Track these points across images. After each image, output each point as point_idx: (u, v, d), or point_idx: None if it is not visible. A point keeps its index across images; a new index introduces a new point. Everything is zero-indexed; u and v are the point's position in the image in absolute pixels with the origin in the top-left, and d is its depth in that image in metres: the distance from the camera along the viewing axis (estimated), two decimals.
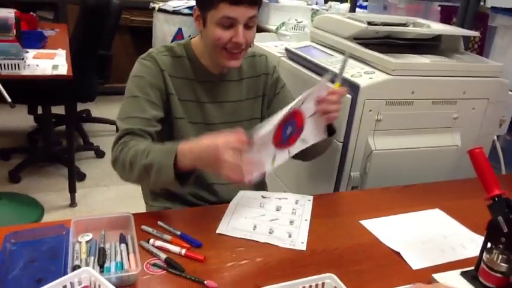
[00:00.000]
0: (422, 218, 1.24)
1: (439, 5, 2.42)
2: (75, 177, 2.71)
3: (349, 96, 1.46)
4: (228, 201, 1.26)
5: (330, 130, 1.28)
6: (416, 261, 1.03)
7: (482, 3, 2.01)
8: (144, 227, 1.05)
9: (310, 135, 1.20)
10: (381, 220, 1.20)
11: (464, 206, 1.27)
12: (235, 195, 1.33)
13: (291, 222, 1.14)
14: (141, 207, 1.52)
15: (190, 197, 1.34)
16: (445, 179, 1.57)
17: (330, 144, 1.38)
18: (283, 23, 3.00)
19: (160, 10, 3.71)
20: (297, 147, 1.18)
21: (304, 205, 1.23)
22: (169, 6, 3.71)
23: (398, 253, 1.06)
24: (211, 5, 1.18)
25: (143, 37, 4.11)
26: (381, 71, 1.49)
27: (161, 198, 1.40)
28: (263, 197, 1.26)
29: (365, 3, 3.47)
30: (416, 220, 1.22)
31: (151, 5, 3.85)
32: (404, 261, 1.03)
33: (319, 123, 1.21)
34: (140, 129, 1.18)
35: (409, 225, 1.19)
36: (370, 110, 1.46)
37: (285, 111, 1.06)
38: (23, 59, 2.22)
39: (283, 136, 1.11)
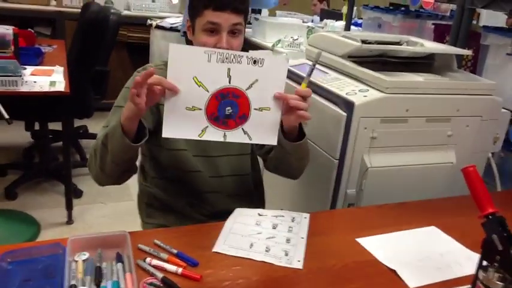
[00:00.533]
0: (419, 235, 1.24)
1: (433, 24, 2.46)
2: (72, 194, 2.70)
3: (344, 114, 1.47)
4: (221, 211, 1.29)
5: (300, 133, 1.26)
6: (412, 280, 1.03)
7: (475, 22, 2.04)
8: (140, 245, 1.05)
9: (256, 132, 1.13)
10: (377, 238, 1.20)
11: (460, 224, 1.27)
12: (228, 203, 1.36)
13: (288, 240, 1.14)
14: (137, 224, 1.53)
15: (185, 207, 1.36)
16: (441, 196, 1.58)
17: (306, 154, 1.35)
18: (279, 40, 3.03)
19: (158, 27, 3.75)
20: (236, 136, 1.12)
21: (301, 223, 1.24)
22: (166, 23, 3.75)
23: (394, 271, 1.06)
24: (197, 12, 1.24)
25: (140, 53, 4.14)
26: (375, 89, 1.51)
27: (156, 214, 1.41)
28: (259, 214, 1.26)
29: (360, 21, 3.51)
30: (413, 238, 1.23)
31: (149, 21, 3.89)
32: (401, 279, 1.04)
33: (272, 125, 1.14)
34: None
35: (405, 243, 1.20)
36: (365, 128, 1.47)
37: (222, 83, 1.06)
38: (20, 75, 2.23)
39: (220, 112, 1.09)
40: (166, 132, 1.08)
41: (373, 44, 1.68)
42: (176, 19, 3.87)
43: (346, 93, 1.50)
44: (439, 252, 1.17)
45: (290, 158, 1.32)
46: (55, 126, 3.01)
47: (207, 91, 1.07)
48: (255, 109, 1.12)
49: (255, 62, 1.08)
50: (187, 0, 1.34)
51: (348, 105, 1.46)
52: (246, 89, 1.10)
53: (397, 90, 1.48)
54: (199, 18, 1.24)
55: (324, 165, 1.56)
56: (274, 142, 1.16)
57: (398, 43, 1.77)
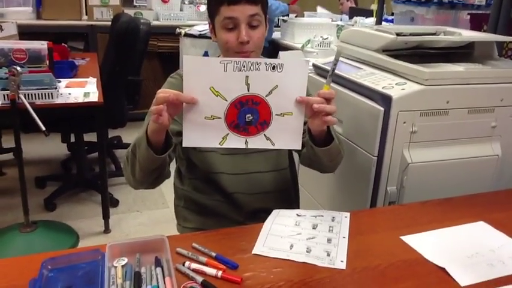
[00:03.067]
0: (467, 231, 1.18)
1: (468, 14, 2.37)
2: (109, 203, 2.73)
3: (381, 108, 1.43)
4: (258, 210, 1.31)
5: (328, 137, 1.22)
6: (464, 278, 0.98)
7: None
8: (179, 249, 1.03)
9: (278, 137, 1.11)
10: (422, 235, 1.14)
11: (511, 218, 1.20)
12: (265, 201, 1.36)
13: (329, 240, 1.10)
14: (173, 231, 1.51)
15: (221, 208, 1.37)
16: (487, 190, 1.50)
17: (338, 155, 1.30)
18: (308, 41, 3.00)
19: (187, 35, 3.78)
20: (258, 142, 1.11)
21: (341, 222, 1.19)
22: (195, 30, 3.78)
23: (444, 269, 1.00)
24: (215, 11, 1.24)
25: (171, 62, 4.19)
26: (413, 81, 1.45)
27: (193, 217, 1.40)
28: (298, 215, 1.23)
29: (390, 17, 3.44)
30: (460, 234, 1.17)
31: (178, 30, 3.93)
32: (451, 277, 0.98)
33: (295, 129, 1.11)
34: None
35: (452, 240, 1.14)
36: (404, 122, 1.42)
37: (240, 91, 1.05)
38: (56, 88, 2.28)
39: (240, 120, 1.07)
40: (186, 142, 1.08)
41: (408, 36, 1.62)
42: (204, 26, 3.89)
43: (383, 88, 1.45)
44: (491, 248, 1.10)
45: (321, 160, 1.29)
46: (90, 137, 3.06)
47: (226, 100, 1.06)
48: (276, 115, 1.09)
49: (273, 67, 1.05)
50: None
51: (385, 100, 1.41)
52: (266, 96, 1.07)
53: (436, 82, 1.42)
54: (217, 16, 1.24)
55: (362, 162, 1.51)
56: (298, 147, 1.13)
57: (434, 34, 1.70)
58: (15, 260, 1.00)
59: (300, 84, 1.09)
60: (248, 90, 1.06)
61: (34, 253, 1.02)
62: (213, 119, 1.07)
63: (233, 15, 1.21)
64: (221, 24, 1.23)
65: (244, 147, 1.11)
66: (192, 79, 1.04)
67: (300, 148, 1.14)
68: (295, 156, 1.50)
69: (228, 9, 1.21)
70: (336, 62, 1.16)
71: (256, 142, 1.11)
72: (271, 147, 1.13)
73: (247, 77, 1.05)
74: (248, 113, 1.08)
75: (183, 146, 1.09)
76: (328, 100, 1.11)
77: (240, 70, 1.04)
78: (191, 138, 1.08)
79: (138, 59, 3.16)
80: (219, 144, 1.10)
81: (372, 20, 3.09)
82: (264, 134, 1.11)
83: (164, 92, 1.04)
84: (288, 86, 1.07)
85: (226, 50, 1.25)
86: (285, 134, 1.11)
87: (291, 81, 1.07)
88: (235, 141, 1.10)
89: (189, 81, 1.04)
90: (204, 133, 1.08)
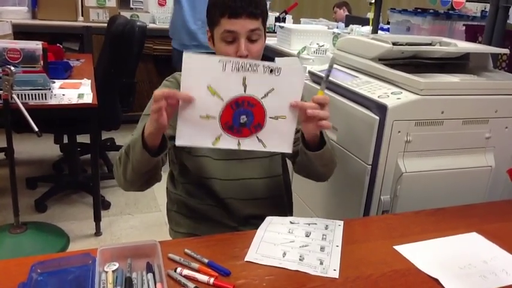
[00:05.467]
0: (459, 242, 1.18)
1: (464, 24, 2.39)
2: (100, 205, 2.71)
3: (376, 117, 1.43)
4: (251, 216, 1.31)
5: (322, 143, 1.23)
6: None
7: (508, 20, 1.97)
8: (171, 255, 1.02)
9: (270, 140, 1.11)
10: (415, 245, 1.14)
11: (504, 229, 1.21)
12: (258, 207, 1.36)
13: (322, 249, 1.10)
14: (165, 235, 1.50)
15: (214, 213, 1.36)
16: (480, 201, 1.51)
17: (331, 161, 1.31)
18: (304, 47, 3.00)
19: None
20: (251, 144, 1.11)
21: (335, 230, 1.19)
22: None
23: (436, 280, 1.00)
24: (215, 22, 1.24)
25: (166, 65, 4.16)
26: (408, 91, 1.46)
27: (185, 222, 1.40)
28: (291, 222, 1.22)
29: (386, 26, 3.45)
30: (453, 245, 1.17)
31: None
32: None
33: (287, 133, 1.12)
34: None
35: (445, 250, 1.14)
36: (399, 131, 1.42)
37: (237, 92, 1.05)
38: (49, 89, 2.26)
39: (234, 121, 1.08)
40: (179, 140, 1.08)
41: (404, 45, 1.63)
42: None
43: (378, 97, 1.45)
44: (483, 259, 1.10)
45: (314, 165, 1.30)
46: (83, 139, 3.04)
47: (222, 100, 1.06)
48: (270, 118, 1.10)
49: (271, 71, 1.06)
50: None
51: (380, 109, 1.42)
52: (262, 98, 1.08)
53: (432, 92, 1.42)
54: (217, 27, 1.24)
55: (356, 171, 1.51)
56: (289, 150, 1.14)
57: (430, 44, 1.71)
58: (4, 263, 0.99)
59: (295, 89, 1.10)
60: (245, 92, 1.06)
61: (23, 255, 1.01)
62: (208, 118, 1.07)
63: (233, 29, 1.21)
64: (221, 36, 1.23)
65: (237, 148, 1.11)
66: (191, 77, 1.04)
67: (290, 151, 1.14)
68: (289, 164, 1.50)
69: (229, 22, 1.21)
70: (330, 69, 1.17)
71: (249, 143, 1.11)
72: (263, 149, 1.13)
73: (244, 78, 1.05)
74: (243, 114, 1.08)
75: (176, 145, 1.09)
76: (322, 105, 1.12)
77: (238, 70, 1.05)
78: (184, 137, 1.08)
79: (133, 62, 3.14)
80: (212, 144, 1.10)
81: (368, 29, 3.10)
82: (257, 136, 1.11)
83: (162, 90, 1.03)
84: (283, 90, 1.08)
85: None
86: (277, 137, 1.12)
87: (287, 85, 1.08)
88: (228, 142, 1.10)
89: (187, 79, 1.04)
90: (197, 132, 1.08)
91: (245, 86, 1.06)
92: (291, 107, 1.10)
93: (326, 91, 1.16)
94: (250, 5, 1.21)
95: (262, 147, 1.12)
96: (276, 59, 2.78)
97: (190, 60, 1.03)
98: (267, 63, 1.06)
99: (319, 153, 1.22)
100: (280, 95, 1.08)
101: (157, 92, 1.03)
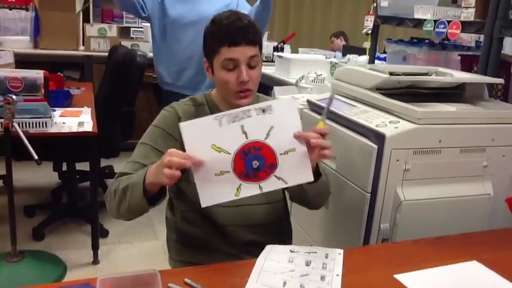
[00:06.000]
0: (460, 271, 1.18)
1: (459, 55, 2.43)
2: (99, 234, 2.70)
3: (374, 146, 1.44)
4: (251, 242, 1.32)
5: (316, 174, 1.24)
6: None
7: (503, 51, 2.01)
8: (171, 284, 1.02)
9: (289, 174, 1.14)
10: (416, 274, 1.14)
11: (504, 258, 1.21)
12: (258, 234, 1.37)
13: (322, 278, 1.10)
14: (164, 264, 1.50)
15: (214, 240, 1.37)
16: (479, 229, 1.51)
17: (325, 191, 1.35)
18: (302, 77, 3.04)
19: None
20: (272, 184, 1.13)
21: (335, 259, 1.19)
22: None
23: None
24: (214, 51, 1.27)
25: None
26: (406, 120, 1.48)
27: (185, 251, 1.39)
28: (291, 251, 1.22)
29: (383, 55, 3.51)
30: (454, 273, 1.17)
31: None
32: None
33: (302, 163, 1.14)
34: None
35: (446, 279, 1.14)
36: (397, 160, 1.44)
37: (240, 141, 1.08)
38: (50, 117, 2.28)
39: (248, 169, 1.10)
40: (204, 202, 1.11)
41: (400, 75, 1.66)
42: None
43: (376, 125, 1.47)
44: None
45: (308, 196, 1.33)
46: (82, 166, 3.04)
47: (229, 153, 1.09)
48: (281, 154, 1.12)
49: (263, 110, 1.10)
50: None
51: (378, 137, 1.43)
52: (265, 139, 1.11)
53: (429, 121, 1.44)
54: (217, 56, 1.27)
55: (356, 199, 1.52)
56: (310, 179, 1.16)
57: (426, 74, 1.74)
58: None
59: (293, 120, 1.13)
60: (247, 138, 1.09)
61: (20, 284, 1.01)
62: (223, 174, 1.09)
63: (234, 56, 1.24)
64: (221, 64, 1.26)
65: (259, 192, 1.13)
66: (193, 142, 1.07)
67: (312, 179, 1.16)
68: None
69: (229, 51, 1.24)
70: (330, 101, 1.22)
71: (270, 185, 1.13)
72: (285, 185, 1.15)
73: (242, 126, 1.09)
74: (254, 160, 1.10)
75: (202, 207, 1.11)
76: (323, 136, 1.16)
77: (234, 121, 1.08)
78: (207, 198, 1.11)
79: (133, 90, 3.17)
80: (235, 195, 1.12)
81: (364, 58, 3.15)
82: (275, 175, 1.13)
83: (178, 157, 1.05)
84: (282, 125, 1.11)
85: (226, 89, 1.28)
86: (294, 170, 1.14)
87: (284, 119, 1.12)
88: (250, 189, 1.12)
89: (191, 145, 1.07)
90: (218, 190, 1.11)
91: (245, 133, 1.09)
92: (296, 138, 1.13)
93: (320, 117, 1.19)
94: (248, 33, 1.25)
95: (284, 184, 1.14)
96: (275, 88, 2.82)
97: (187, 127, 1.08)
98: (257, 105, 1.11)
99: (314, 184, 1.24)
100: (281, 131, 1.11)
101: (176, 160, 1.05)
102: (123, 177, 1.25)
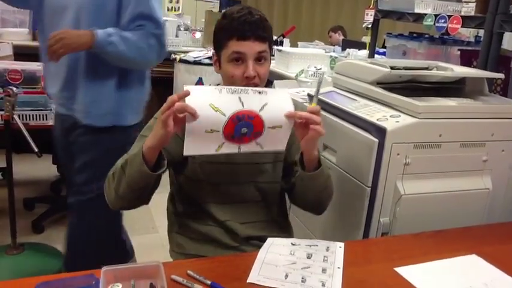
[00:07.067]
0: (460, 264, 1.19)
1: (459, 49, 2.43)
2: None
3: (375, 140, 1.45)
4: (251, 236, 1.33)
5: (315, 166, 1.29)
6: None
7: (502, 46, 2.01)
8: (174, 276, 1.03)
9: (268, 143, 1.21)
10: (416, 267, 1.15)
11: (504, 252, 1.22)
12: (257, 230, 1.37)
13: (324, 270, 1.11)
14: (163, 256, 1.50)
15: (214, 234, 1.37)
16: (478, 223, 1.52)
17: (325, 188, 1.36)
18: (302, 71, 3.04)
19: (181, 61, 3.81)
20: (250, 147, 1.20)
21: (336, 252, 1.20)
22: (189, 57, 3.81)
23: None
24: (223, 45, 1.28)
25: (165, 86, 4.20)
26: (406, 114, 1.48)
27: (187, 243, 1.40)
28: (293, 244, 1.23)
29: (382, 50, 3.51)
30: (454, 267, 1.18)
31: (173, 56, 3.96)
32: None
33: (283, 136, 1.21)
34: None
35: (446, 273, 1.15)
36: (398, 154, 1.44)
37: (237, 107, 1.13)
38: (50, 109, 2.28)
39: (236, 132, 1.15)
40: (187, 151, 1.15)
41: (401, 70, 1.66)
42: (199, 53, 3.93)
43: (377, 120, 1.47)
44: (483, 281, 1.11)
45: (309, 191, 1.34)
46: None
47: (224, 115, 1.12)
48: (268, 127, 1.18)
49: (260, 92, 1.17)
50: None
51: (379, 131, 1.44)
52: (259, 111, 1.15)
53: (430, 115, 1.45)
54: (225, 49, 1.27)
55: (356, 193, 1.52)
56: (283, 149, 1.23)
57: (427, 68, 1.75)
58: (7, 283, 0.99)
59: (286, 103, 1.19)
60: (243, 106, 1.14)
61: (20, 276, 1.01)
62: (212, 132, 1.13)
63: (242, 50, 1.24)
64: (228, 57, 1.26)
65: (237, 151, 1.18)
66: (193, 99, 1.10)
67: (283, 150, 1.23)
68: None
69: (237, 44, 1.24)
70: (319, 83, 1.26)
71: (248, 147, 1.19)
72: (260, 150, 1.21)
73: (239, 97, 1.14)
74: (244, 127, 1.15)
75: (184, 154, 1.13)
76: (315, 114, 1.19)
77: (233, 93, 1.14)
78: (191, 148, 1.14)
79: None
80: (215, 150, 1.17)
81: (364, 52, 3.16)
82: (256, 141, 1.19)
83: (173, 96, 1.08)
84: (276, 104, 1.18)
85: (231, 83, 1.27)
86: (273, 141, 1.21)
87: (277, 101, 1.18)
88: (230, 148, 1.18)
89: (190, 100, 1.10)
90: (202, 143, 1.15)
91: (242, 103, 1.14)
92: (286, 116, 1.17)
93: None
94: (259, 28, 1.25)
95: (260, 148, 1.21)
96: (275, 81, 2.82)
97: (190, 90, 1.11)
98: (254, 88, 1.19)
99: (316, 173, 1.27)
100: (274, 109, 1.17)
101: (171, 97, 1.07)
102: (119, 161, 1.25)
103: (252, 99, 1.15)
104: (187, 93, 1.09)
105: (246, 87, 1.16)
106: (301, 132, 1.20)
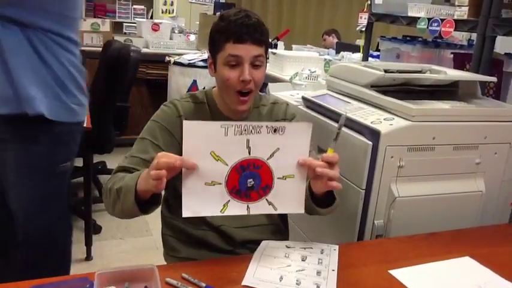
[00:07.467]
0: (453, 266, 1.20)
1: (452, 53, 2.45)
2: (92, 230, 2.69)
3: (369, 143, 1.45)
4: (246, 241, 1.31)
5: (330, 198, 1.25)
6: None
7: (495, 49, 2.03)
8: (168, 279, 1.03)
9: (281, 201, 1.10)
10: (410, 269, 1.16)
11: (497, 254, 1.23)
12: (253, 234, 1.36)
13: (318, 273, 1.11)
14: (157, 259, 1.49)
15: (209, 238, 1.36)
16: (471, 225, 1.53)
17: (335, 209, 1.32)
18: (296, 73, 3.05)
19: (176, 63, 3.82)
20: (261, 207, 1.09)
21: (330, 255, 1.20)
22: (184, 59, 3.82)
23: None
24: (219, 47, 1.25)
25: (159, 89, 4.20)
26: (400, 117, 1.49)
27: (181, 247, 1.39)
28: (287, 246, 1.23)
29: (376, 53, 3.53)
30: (447, 269, 1.18)
31: (167, 58, 3.97)
32: None
33: (297, 192, 1.11)
34: (134, 168, 1.23)
35: (440, 275, 1.15)
36: (392, 157, 1.45)
37: (241, 155, 1.04)
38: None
39: (241, 185, 1.06)
40: (186, 212, 1.06)
41: (395, 73, 1.67)
42: (193, 55, 3.94)
43: (371, 122, 1.48)
44: (477, 284, 1.12)
45: (317, 211, 1.30)
46: (75, 162, 3.02)
47: (226, 165, 1.04)
48: (278, 178, 1.08)
49: (275, 130, 1.05)
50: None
51: (373, 134, 1.44)
52: (267, 159, 1.07)
53: (423, 118, 1.46)
54: (221, 52, 1.26)
55: (350, 195, 1.53)
56: (301, 210, 1.14)
57: (420, 72, 1.76)
58: (2, 286, 0.98)
59: (302, 146, 1.09)
60: (249, 154, 1.05)
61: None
62: (214, 184, 1.05)
63: (238, 53, 1.23)
64: (224, 60, 1.25)
65: (246, 213, 1.10)
66: (192, 144, 1.02)
67: (303, 211, 1.15)
68: None
69: (234, 47, 1.23)
70: (340, 127, 1.15)
71: (259, 207, 1.10)
72: (274, 212, 1.12)
73: (248, 140, 1.04)
74: (249, 178, 1.06)
75: (183, 216, 1.09)
76: (331, 164, 1.12)
77: (241, 134, 1.03)
78: (191, 208, 1.06)
79: (126, 86, 3.16)
80: (220, 211, 1.08)
81: (358, 56, 3.17)
82: (266, 199, 1.09)
83: (168, 157, 1.03)
84: (289, 149, 1.07)
85: (226, 86, 1.26)
86: (287, 198, 1.11)
87: (292, 143, 1.07)
88: (237, 208, 1.08)
89: (189, 146, 1.02)
90: (204, 201, 1.06)
91: (249, 149, 1.05)
92: (299, 165, 1.09)
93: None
94: (256, 32, 1.24)
95: (272, 210, 1.11)
96: (269, 84, 2.83)
97: (190, 128, 1.02)
98: (270, 123, 1.06)
99: (330, 209, 1.26)
100: (286, 154, 1.07)
101: (163, 160, 1.02)
102: (119, 175, 1.23)
103: (262, 142, 1.05)
104: (189, 166, 1.03)
105: (261, 123, 1.04)
106: (314, 182, 1.15)
